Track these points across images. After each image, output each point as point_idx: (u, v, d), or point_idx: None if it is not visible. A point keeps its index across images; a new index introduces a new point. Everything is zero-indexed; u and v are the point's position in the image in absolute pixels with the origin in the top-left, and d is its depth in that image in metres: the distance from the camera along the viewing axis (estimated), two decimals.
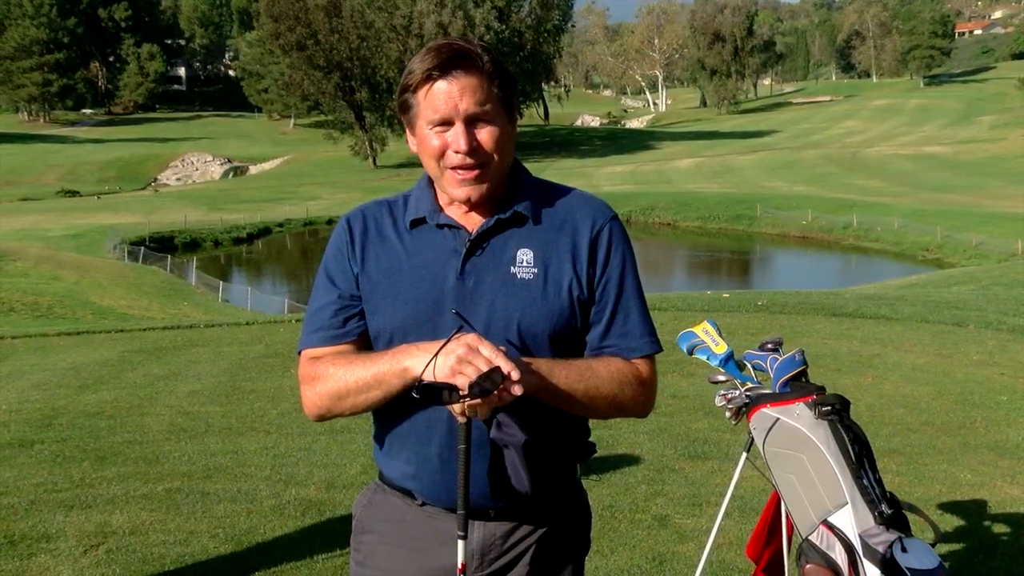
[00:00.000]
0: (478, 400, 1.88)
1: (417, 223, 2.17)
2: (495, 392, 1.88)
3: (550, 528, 2.22)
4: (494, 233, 2.14)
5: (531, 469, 1.99)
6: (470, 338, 1.93)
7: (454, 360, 1.90)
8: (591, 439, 2.30)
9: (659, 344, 2.21)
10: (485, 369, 1.87)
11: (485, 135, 2.07)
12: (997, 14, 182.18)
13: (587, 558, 2.22)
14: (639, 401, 2.18)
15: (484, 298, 2.10)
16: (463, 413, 1.93)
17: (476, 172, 2.07)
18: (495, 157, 2.09)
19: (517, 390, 1.90)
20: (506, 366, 1.88)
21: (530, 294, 2.11)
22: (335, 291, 2.17)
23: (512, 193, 2.18)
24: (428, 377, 1.94)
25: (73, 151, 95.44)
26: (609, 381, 2.12)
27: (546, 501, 2.18)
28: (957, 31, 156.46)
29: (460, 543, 2.05)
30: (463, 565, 2.06)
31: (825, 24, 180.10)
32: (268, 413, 7.53)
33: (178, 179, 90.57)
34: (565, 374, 2.06)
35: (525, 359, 2.00)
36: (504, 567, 2.18)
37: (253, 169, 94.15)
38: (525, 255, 2.13)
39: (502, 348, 1.94)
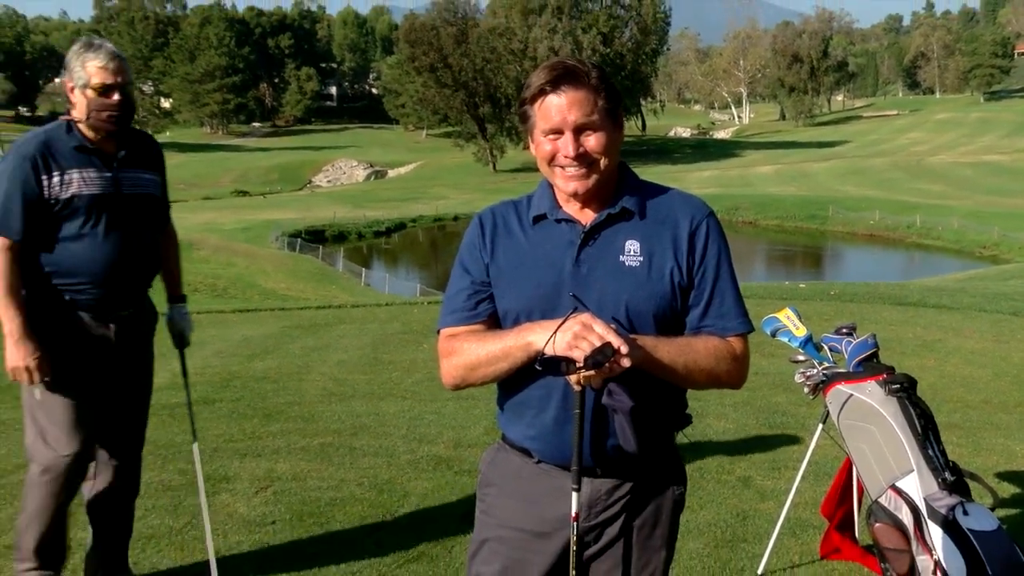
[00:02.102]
0: (592, 371, 1.90)
1: (539, 219, 2.20)
2: (606, 364, 1.89)
3: (648, 486, 2.22)
4: (605, 226, 2.16)
5: (637, 432, 2.01)
6: (585, 316, 1.96)
7: (571, 336, 1.93)
8: (688, 410, 2.29)
9: (751, 324, 2.21)
10: (598, 344, 1.90)
11: (591, 141, 2.09)
12: None
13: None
14: (733, 374, 2.18)
15: (596, 283, 2.12)
16: (578, 382, 1.96)
17: (583, 171, 2.10)
18: (600, 159, 2.11)
19: (626, 362, 1.93)
20: (616, 341, 1.91)
21: (636, 279, 2.12)
22: (468, 278, 2.21)
23: (620, 192, 2.19)
24: (549, 351, 1.97)
25: (244, 158, 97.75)
26: (706, 356, 2.12)
27: (647, 462, 2.18)
28: (1017, 51, 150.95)
29: (574, 495, 2.09)
30: (576, 514, 2.09)
31: (893, 47, 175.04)
32: (404, 381, 7.64)
33: (329, 181, 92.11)
34: (667, 349, 2.07)
35: (632, 336, 2.01)
36: (608, 519, 2.20)
37: (391, 173, 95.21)
38: (632, 245, 2.14)
39: (612, 325, 1.95)
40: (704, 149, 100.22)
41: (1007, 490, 5.16)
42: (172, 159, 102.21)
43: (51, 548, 3.44)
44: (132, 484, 3.60)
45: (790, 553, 4.21)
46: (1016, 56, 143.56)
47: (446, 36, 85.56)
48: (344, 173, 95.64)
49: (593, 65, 2.14)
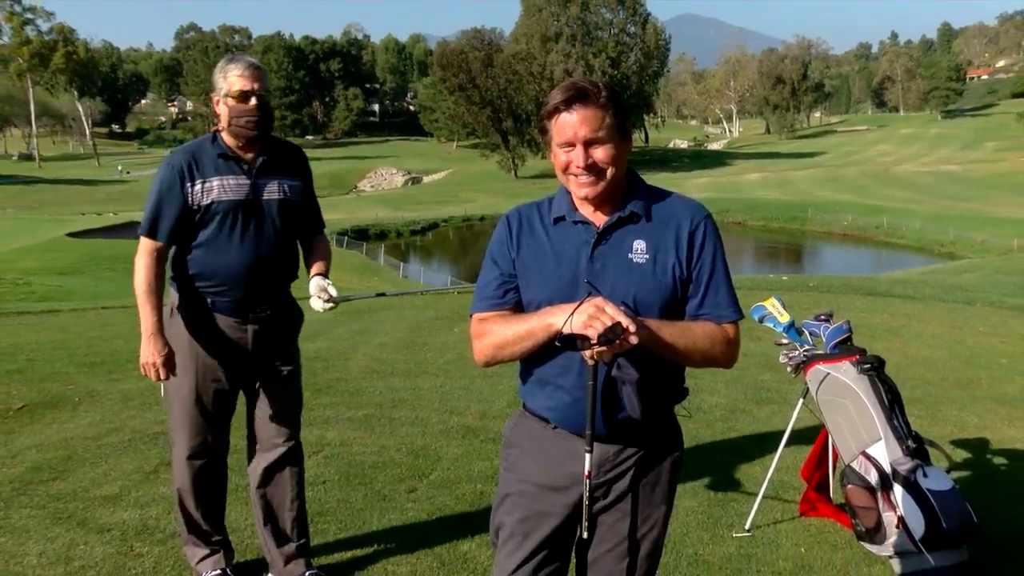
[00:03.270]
0: (604, 347, 1.92)
1: (558, 220, 2.21)
2: (617, 341, 1.91)
3: (650, 450, 2.24)
4: (616, 228, 2.17)
5: (642, 401, 2.05)
6: (598, 300, 1.99)
7: (586, 317, 1.96)
8: (685, 385, 2.29)
9: (741, 312, 2.21)
10: (610, 324, 1.92)
11: (599, 153, 2.10)
12: (1000, 63, 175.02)
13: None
14: (727, 355, 2.19)
15: (608, 277, 2.14)
16: (592, 357, 1.97)
17: (592, 179, 2.11)
18: (608, 169, 2.12)
19: (634, 340, 1.95)
20: (625, 321, 1.94)
21: (643, 274, 2.14)
22: (497, 270, 2.23)
23: (628, 196, 2.20)
24: (567, 330, 1.99)
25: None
26: (703, 339, 2.13)
27: (649, 429, 2.20)
28: (968, 76, 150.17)
29: (587, 456, 2.11)
30: (589, 472, 2.11)
31: (863, 71, 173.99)
32: (437, 360, 7.66)
33: (372, 186, 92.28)
34: (670, 331, 2.09)
35: (639, 318, 2.03)
36: (615, 478, 2.22)
37: (426, 179, 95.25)
38: (640, 244, 2.16)
39: (622, 308, 1.98)
40: (700, 159, 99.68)
41: (960, 455, 5.16)
42: None
43: (205, 529, 3.35)
44: (297, 463, 3.41)
45: (773, 511, 4.19)
46: (968, 80, 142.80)
47: (474, 60, 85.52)
48: (385, 179, 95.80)
49: (604, 85, 2.14)
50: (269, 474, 3.34)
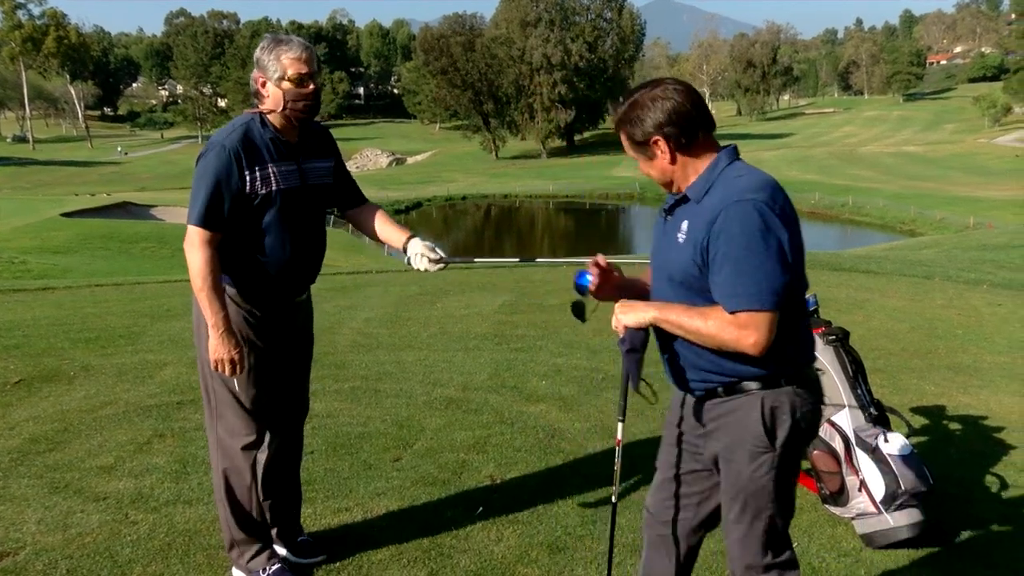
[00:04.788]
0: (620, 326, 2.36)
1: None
2: (614, 322, 2.36)
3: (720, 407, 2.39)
4: (674, 208, 2.32)
5: (638, 370, 2.36)
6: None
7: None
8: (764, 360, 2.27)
9: (750, 303, 2.13)
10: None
11: (643, 169, 2.36)
12: (958, 49, 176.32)
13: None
14: (739, 342, 2.16)
15: (662, 252, 2.35)
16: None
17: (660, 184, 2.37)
18: (654, 177, 2.34)
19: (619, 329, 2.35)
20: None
21: (679, 254, 2.26)
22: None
23: (698, 182, 2.26)
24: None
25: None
26: (709, 326, 2.19)
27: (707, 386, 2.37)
28: (928, 61, 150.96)
29: (619, 424, 2.46)
30: (619, 440, 2.54)
31: (830, 55, 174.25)
32: (421, 335, 7.64)
33: (357, 167, 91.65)
34: (674, 316, 2.25)
35: (648, 303, 2.32)
36: (704, 431, 2.47)
37: (410, 160, 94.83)
38: (684, 225, 2.26)
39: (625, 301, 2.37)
40: None
41: (919, 421, 5.21)
42: None
43: (258, 524, 3.14)
44: (298, 451, 3.35)
45: None
46: (928, 65, 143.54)
47: (455, 45, 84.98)
48: (370, 160, 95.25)
49: (625, 108, 2.28)
50: (281, 448, 3.23)
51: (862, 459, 3.58)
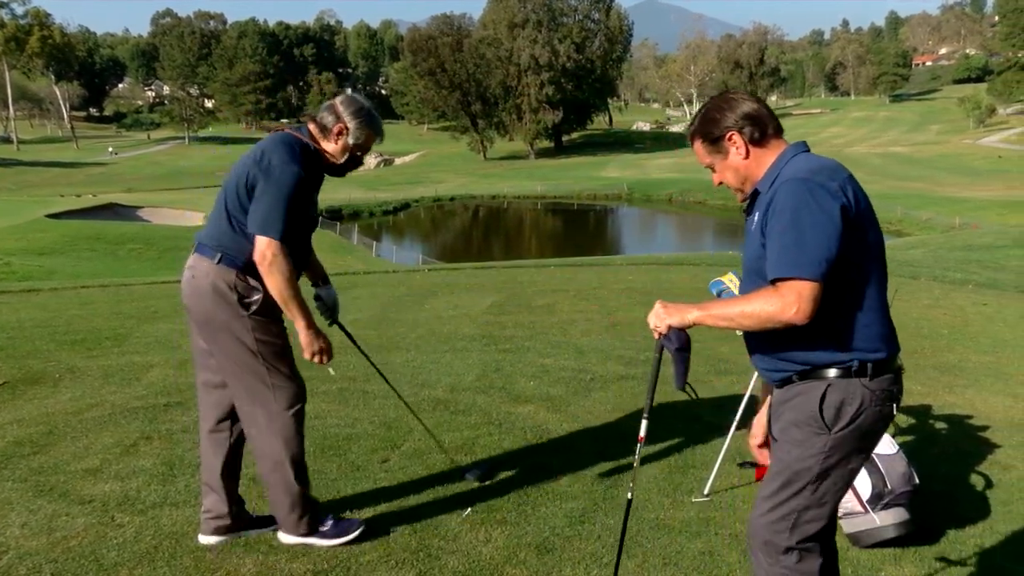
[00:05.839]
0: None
1: None
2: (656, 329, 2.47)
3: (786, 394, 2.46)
4: (751, 203, 2.41)
5: (685, 368, 2.53)
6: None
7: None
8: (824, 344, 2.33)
9: (789, 270, 2.18)
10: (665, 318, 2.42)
11: (717, 175, 2.47)
12: (943, 50, 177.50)
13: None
14: (783, 312, 2.18)
15: (745, 249, 2.44)
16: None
17: (732, 189, 2.46)
18: (729, 180, 2.44)
19: (662, 329, 2.46)
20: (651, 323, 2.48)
21: (752, 241, 2.36)
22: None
23: (767, 175, 2.37)
24: None
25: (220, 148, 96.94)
26: (751, 305, 2.24)
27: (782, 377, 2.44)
28: (914, 62, 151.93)
29: (644, 422, 2.54)
30: (642, 437, 2.62)
31: (816, 56, 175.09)
32: (408, 336, 7.63)
33: None
34: (716, 309, 2.33)
35: (690, 304, 2.39)
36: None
37: (398, 161, 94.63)
38: (757, 215, 2.34)
39: (660, 305, 2.45)
40: (662, 140, 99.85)
41: (905, 421, 5.24)
42: (214, 150, 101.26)
43: (310, 499, 3.43)
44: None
45: (731, 477, 4.24)
46: (913, 66, 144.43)
47: (443, 46, 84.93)
48: None
49: (699, 116, 2.44)
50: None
51: None
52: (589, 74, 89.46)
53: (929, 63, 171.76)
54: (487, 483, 4.07)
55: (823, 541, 2.40)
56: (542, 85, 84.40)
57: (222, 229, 3.18)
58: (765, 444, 2.65)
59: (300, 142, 3.19)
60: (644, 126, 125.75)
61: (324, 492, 3.93)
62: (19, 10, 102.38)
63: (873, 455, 3.55)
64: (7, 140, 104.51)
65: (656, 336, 2.48)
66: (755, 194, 2.39)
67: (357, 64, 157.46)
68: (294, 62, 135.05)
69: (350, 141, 3.25)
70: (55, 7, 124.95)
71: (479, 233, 51.96)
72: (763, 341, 2.39)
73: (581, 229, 50.94)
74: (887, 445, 3.60)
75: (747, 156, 2.39)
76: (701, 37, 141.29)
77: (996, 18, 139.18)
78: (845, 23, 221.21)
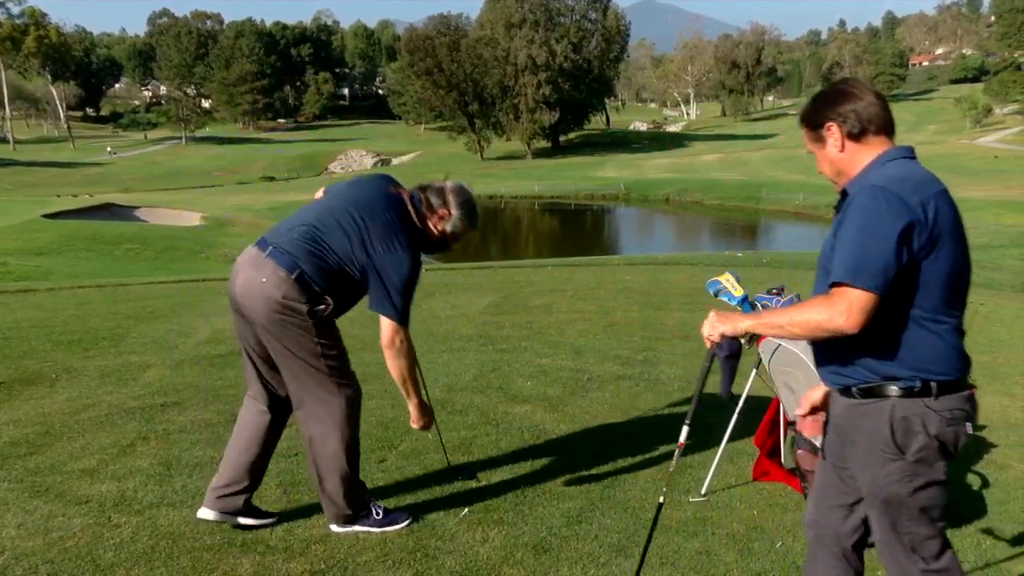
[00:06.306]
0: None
1: None
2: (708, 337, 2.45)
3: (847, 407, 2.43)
4: (840, 202, 2.36)
5: (731, 375, 2.58)
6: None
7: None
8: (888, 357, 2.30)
9: (844, 276, 2.16)
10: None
11: (817, 164, 2.45)
12: (940, 50, 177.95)
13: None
14: (832, 320, 2.18)
15: (827, 238, 2.39)
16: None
17: (830, 179, 2.44)
18: (824, 170, 2.44)
19: (714, 337, 2.44)
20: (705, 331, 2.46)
21: (829, 239, 2.33)
22: None
23: (857, 177, 2.33)
24: None
25: (271, 149, 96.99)
26: (801, 312, 2.25)
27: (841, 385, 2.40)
28: (910, 63, 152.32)
29: (685, 428, 2.67)
30: (681, 443, 2.78)
31: (813, 56, 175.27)
32: None
33: (342, 168, 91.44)
34: (767, 318, 2.37)
35: (742, 313, 2.52)
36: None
37: (395, 161, 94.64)
38: (838, 216, 2.33)
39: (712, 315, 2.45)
40: (659, 140, 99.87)
41: None
42: (211, 150, 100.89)
43: (363, 489, 3.58)
44: None
45: (728, 476, 4.24)
46: (910, 66, 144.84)
47: (440, 46, 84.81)
48: (355, 161, 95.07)
49: (811, 101, 2.44)
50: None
51: None
52: (586, 74, 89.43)
53: (926, 63, 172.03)
54: (484, 483, 4.07)
55: (946, 549, 2.37)
56: (539, 85, 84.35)
57: (310, 252, 3.26)
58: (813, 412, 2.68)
59: (414, 226, 3.38)
60: (641, 126, 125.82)
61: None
62: (15, 9, 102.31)
63: None
64: (3, 140, 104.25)
65: (708, 345, 2.48)
66: (844, 194, 2.34)
67: (354, 64, 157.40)
68: (291, 62, 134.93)
69: (447, 228, 3.46)
70: (51, 7, 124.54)
71: (476, 233, 51.75)
72: (826, 350, 2.38)
73: (578, 229, 50.94)
74: None
75: (843, 149, 2.35)
76: (698, 37, 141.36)
77: (992, 18, 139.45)
78: (842, 23, 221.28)
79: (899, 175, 2.23)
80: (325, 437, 3.40)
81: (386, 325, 3.34)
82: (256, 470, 3.52)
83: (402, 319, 3.36)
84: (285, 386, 3.46)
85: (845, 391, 2.36)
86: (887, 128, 2.35)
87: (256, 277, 3.25)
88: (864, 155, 2.33)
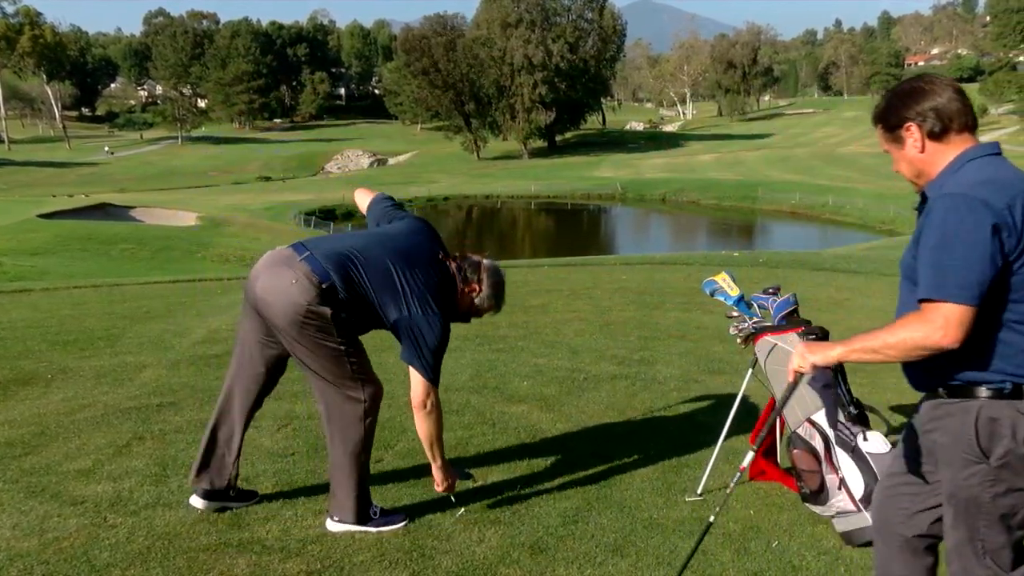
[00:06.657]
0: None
1: None
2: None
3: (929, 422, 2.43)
4: (920, 208, 2.31)
5: (831, 399, 2.60)
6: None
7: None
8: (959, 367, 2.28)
9: (935, 292, 2.10)
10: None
11: (895, 164, 2.39)
12: (935, 50, 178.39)
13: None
14: (928, 338, 2.13)
15: (908, 244, 2.33)
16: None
17: (908, 180, 2.38)
18: (903, 171, 2.36)
19: (798, 370, 2.46)
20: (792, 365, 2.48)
21: (911, 246, 2.29)
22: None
23: (938, 178, 2.26)
24: None
25: (267, 149, 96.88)
26: (895, 333, 2.20)
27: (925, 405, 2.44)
28: (906, 62, 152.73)
29: (750, 454, 2.74)
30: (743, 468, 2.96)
31: (809, 56, 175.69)
32: None
33: (338, 168, 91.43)
34: (859, 343, 2.29)
35: (833, 342, 2.40)
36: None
37: (391, 161, 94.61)
38: (919, 222, 2.28)
39: (802, 345, 2.46)
40: (655, 140, 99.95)
41: (898, 420, 5.22)
42: (207, 150, 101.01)
43: (368, 490, 3.62)
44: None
45: (724, 476, 4.24)
46: (906, 66, 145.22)
47: (437, 45, 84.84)
48: (351, 161, 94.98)
49: (885, 99, 2.37)
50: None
51: (842, 457, 3.60)
52: (583, 74, 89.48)
53: (921, 63, 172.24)
54: (480, 483, 4.07)
55: (1021, 562, 2.31)
56: (535, 85, 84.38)
57: (348, 275, 3.28)
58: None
59: (452, 296, 3.51)
60: (638, 126, 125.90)
61: (317, 492, 3.92)
62: (10, 9, 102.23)
63: (865, 454, 3.56)
64: None
65: (791, 377, 2.49)
66: (924, 197, 2.28)
67: (350, 64, 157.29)
68: (287, 62, 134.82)
69: (475, 301, 3.58)
70: (46, 6, 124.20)
71: (472, 233, 51.94)
72: None
73: (574, 229, 50.99)
74: (880, 444, 3.61)
75: (923, 150, 2.27)
76: (694, 37, 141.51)
77: (987, 18, 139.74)
78: (838, 23, 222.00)
79: (980, 177, 2.15)
80: (349, 432, 3.46)
81: (417, 384, 3.38)
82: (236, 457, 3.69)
83: (434, 379, 3.41)
84: (269, 386, 3.71)
85: (931, 391, 2.33)
86: (970, 125, 2.25)
87: (286, 275, 3.26)
88: (946, 155, 2.25)
